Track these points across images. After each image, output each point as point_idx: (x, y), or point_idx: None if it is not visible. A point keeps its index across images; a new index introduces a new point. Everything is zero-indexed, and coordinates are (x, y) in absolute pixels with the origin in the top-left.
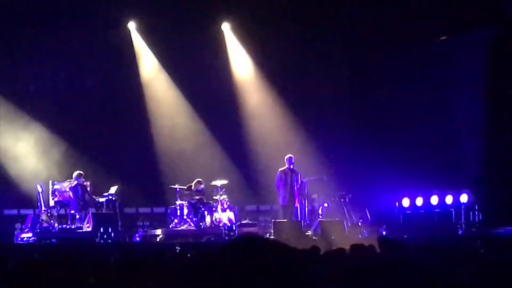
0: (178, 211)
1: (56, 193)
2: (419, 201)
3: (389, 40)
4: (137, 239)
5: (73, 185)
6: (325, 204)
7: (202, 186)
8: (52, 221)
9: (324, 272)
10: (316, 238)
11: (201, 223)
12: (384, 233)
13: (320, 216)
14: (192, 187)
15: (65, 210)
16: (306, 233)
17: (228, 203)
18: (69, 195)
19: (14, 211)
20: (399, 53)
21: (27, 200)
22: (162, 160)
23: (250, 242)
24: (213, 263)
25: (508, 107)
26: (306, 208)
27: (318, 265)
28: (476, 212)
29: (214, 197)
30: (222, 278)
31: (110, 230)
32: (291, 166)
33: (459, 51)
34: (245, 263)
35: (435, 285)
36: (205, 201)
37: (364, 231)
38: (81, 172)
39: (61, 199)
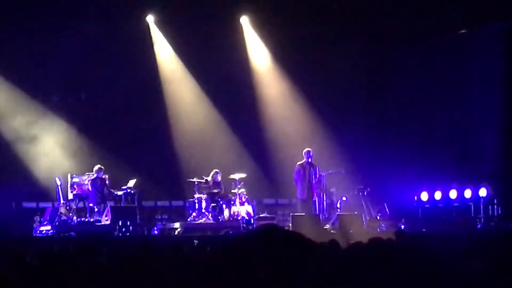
0: (197, 205)
1: (75, 186)
2: (437, 195)
3: (407, 34)
4: (156, 232)
5: (92, 178)
6: (344, 198)
7: (219, 176)
8: (70, 214)
9: (344, 264)
10: (334, 232)
11: (219, 217)
12: (402, 227)
13: (339, 210)
14: (209, 179)
15: (84, 203)
16: (325, 227)
17: (246, 197)
18: (87, 188)
19: (33, 204)
20: (418, 47)
21: (45, 193)
22: (181, 153)
23: (272, 232)
24: (234, 253)
25: None
26: (325, 202)
27: (337, 258)
28: (495, 206)
29: (233, 191)
30: (242, 268)
31: (128, 223)
32: (309, 160)
33: (477, 44)
34: (267, 254)
35: (450, 276)
36: (223, 194)
37: (383, 225)
38: (102, 166)
39: (80, 192)
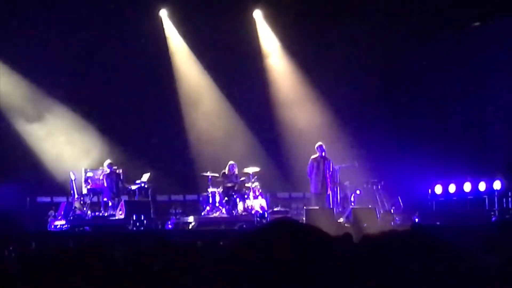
0: (210, 199)
1: (89, 180)
2: (452, 188)
3: (422, 26)
4: (170, 226)
5: (106, 173)
6: (357, 191)
7: (235, 168)
8: (85, 209)
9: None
10: (348, 225)
11: (233, 211)
12: (416, 220)
13: (352, 203)
14: (226, 171)
15: (98, 198)
16: (338, 221)
17: (260, 190)
18: (102, 183)
19: (48, 199)
20: (433, 39)
21: (60, 188)
22: (194, 147)
23: (285, 227)
24: (246, 250)
25: None
26: (338, 196)
27: (353, 251)
28: (510, 199)
29: (246, 185)
30: (254, 265)
31: (142, 218)
32: (323, 154)
33: (492, 36)
34: (280, 249)
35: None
36: (237, 188)
37: (397, 218)
38: (111, 161)
39: (94, 187)
